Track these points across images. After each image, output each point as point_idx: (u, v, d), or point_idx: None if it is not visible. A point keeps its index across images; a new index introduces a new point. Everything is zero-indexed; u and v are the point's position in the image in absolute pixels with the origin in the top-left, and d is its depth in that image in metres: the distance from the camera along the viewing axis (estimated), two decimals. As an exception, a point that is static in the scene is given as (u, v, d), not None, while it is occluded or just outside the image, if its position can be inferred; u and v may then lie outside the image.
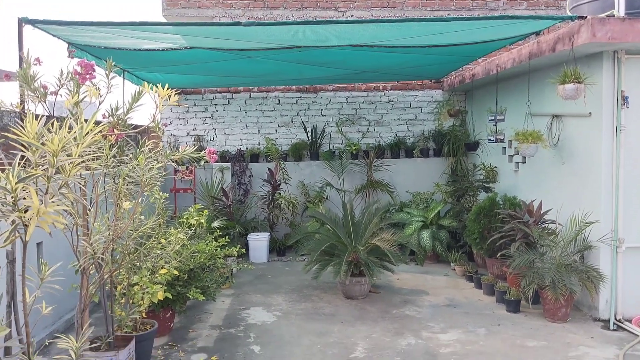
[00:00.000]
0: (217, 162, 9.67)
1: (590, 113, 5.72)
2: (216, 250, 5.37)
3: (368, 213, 6.72)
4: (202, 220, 5.12)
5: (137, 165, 3.43)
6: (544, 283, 5.57)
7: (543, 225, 6.19)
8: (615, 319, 5.48)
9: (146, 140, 3.84)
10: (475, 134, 8.90)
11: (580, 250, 5.69)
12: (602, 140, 5.54)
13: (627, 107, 5.45)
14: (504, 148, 8.14)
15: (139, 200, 3.66)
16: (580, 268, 5.57)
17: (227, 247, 5.68)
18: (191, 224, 5.11)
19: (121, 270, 3.97)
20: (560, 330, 5.38)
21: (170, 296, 4.69)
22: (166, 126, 3.53)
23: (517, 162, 7.71)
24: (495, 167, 8.38)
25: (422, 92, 9.92)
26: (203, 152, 3.98)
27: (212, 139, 10.01)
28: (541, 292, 5.65)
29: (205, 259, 5.22)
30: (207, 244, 5.26)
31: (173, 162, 3.92)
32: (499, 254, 6.56)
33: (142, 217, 4.37)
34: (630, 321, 5.45)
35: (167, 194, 5.44)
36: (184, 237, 4.87)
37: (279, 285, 7.22)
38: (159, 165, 3.59)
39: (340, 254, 6.34)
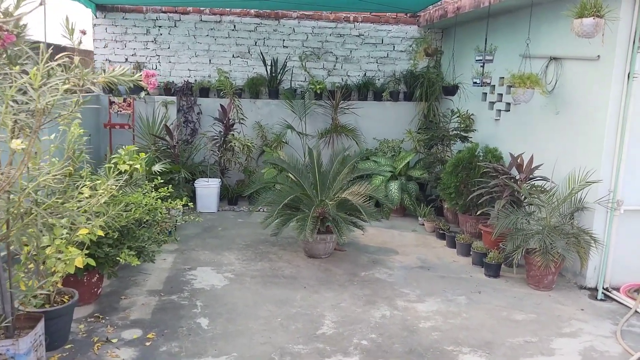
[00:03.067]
0: (160, 94, 8.42)
1: (598, 56, 4.96)
2: (156, 202, 4.37)
3: (337, 162, 5.84)
4: (138, 166, 4.07)
5: (30, 84, 2.34)
6: (531, 247, 4.99)
7: (532, 182, 5.55)
8: (603, 287, 5.00)
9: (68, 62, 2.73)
10: (455, 77, 8.08)
11: (572, 211, 5.11)
12: (610, 87, 4.83)
13: (643, 52, 4.72)
14: (484, 94, 7.39)
15: (34, 138, 2.59)
16: (571, 231, 5.00)
17: (170, 199, 4.68)
18: (123, 170, 4.06)
19: (11, 236, 2.93)
20: (548, 300, 4.85)
21: (92, 262, 3.70)
22: (84, 34, 2.54)
23: (500, 110, 6.99)
24: (472, 114, 7.65)
25: (396, 26, 8.89)
26: (139, 74, 2.93)
27: (154, 68, 8.66)
28: (527, 257, 5.08)
29: (141, 213, 4.23)
30: (144, 195, 4.24)
31: (94, 85, 2.86)
32: (479, 212, 5.92)
33: (55, 161, 3.29)
34: (618, 290, 5.00)
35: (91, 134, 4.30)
36: (114, 188, 3.82)
37: (230, 240, 6.34)
38: (66, 87, 2.50)
39: (305, 208, 5.49)
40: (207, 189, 7.61)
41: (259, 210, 6.83)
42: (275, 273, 5.28)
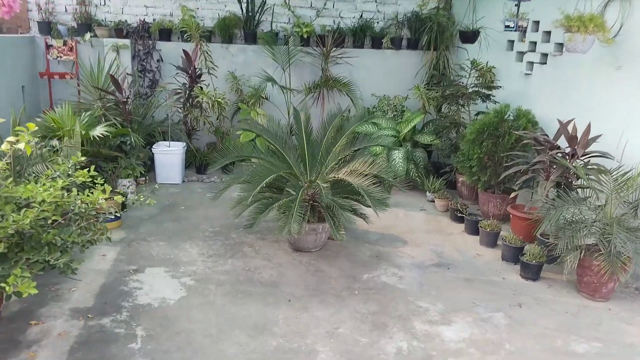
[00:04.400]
0: (110, 36, 6.80)
1: (699, -12, 3.59)
2: (67, 195, 2.94)
3: (332, 128, 4.45)
4: (23, 144, 2.63)
5: None
6: (591, 247, 3.77)
7: (586, 159, 4.27)
8: (677, 297, 3.85)
9: None
10: (476, 20, 6.61)
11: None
12: None
13: None
14: (510, 42, 5.98)
15: None
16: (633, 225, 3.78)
17: (96, 188, 3.25)
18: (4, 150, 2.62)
19: None
20: (609, 317, 3.68)
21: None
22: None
23: (532, 63, 5.61)
24: (493, 67, 6.26)
25: (401, -44, 7.30)
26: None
27: (102, 4, 6.99)
28: (584, 260, 3.86)
29: (48, 211, 2.82)
30: (45, 186, 2.82)
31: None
32: (512, 194, 4.66)
33: None
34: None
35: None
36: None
37: (195, 225, 4.99)
38: None
39: (290, 188, 4.14)
40: (169, 155, 6.18)
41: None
42: (249, 277, 3.99)
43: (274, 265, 4.20)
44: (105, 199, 2.95)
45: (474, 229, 5.08)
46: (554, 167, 4.25)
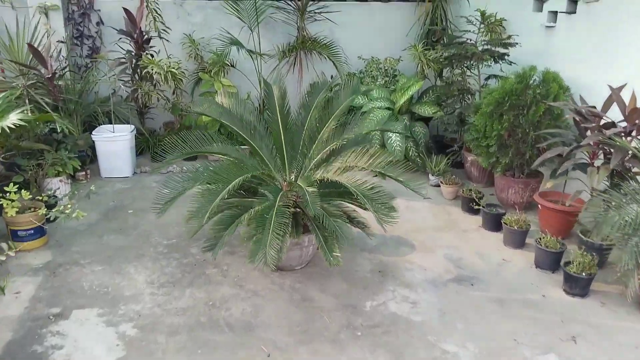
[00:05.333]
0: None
1: None
2: None
3: (315, 106, 3.35)
4: None
5: None
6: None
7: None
8: None
9: None
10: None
11: None
12: None
13: None
14: (527, -13, 4.89)
15: None
16: None
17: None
18: None
19: None
20: (696, 354, 2.79)
21: None
22: None
23: (555, 13, 4.55)
24: (503, 19, 5.18)
25: None
26: None
27: (19, -48, 5.61)
28: (653, 275, 2.93)
29: None
30: None
31: None
32: (549, 184, 3.68)
33: None
34: None
35: None
36: None
37: (145, 236, 3.91)
38: None
39: (266, 191, 3.06)
40: (114, 142, 5.01)
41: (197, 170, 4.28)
42: (214, 316, 2.96)
43: (247, 295, 3.18)
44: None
45: (494, 225, 4.13)
46: (606, 148, 3.26)
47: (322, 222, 2.84)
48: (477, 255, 3.79)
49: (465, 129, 5.04)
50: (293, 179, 3.24)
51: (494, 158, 4.27)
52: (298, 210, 3.18)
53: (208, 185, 3.08)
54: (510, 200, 4.43)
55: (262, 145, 3.25)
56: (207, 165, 3.19)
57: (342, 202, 3.24)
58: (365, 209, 3.14)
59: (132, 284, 3.28)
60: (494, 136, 4.14)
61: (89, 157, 5.17)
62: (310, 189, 2.83)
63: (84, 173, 4.94)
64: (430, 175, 5.10)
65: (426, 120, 5.51)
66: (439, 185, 4.99)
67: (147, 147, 5.57)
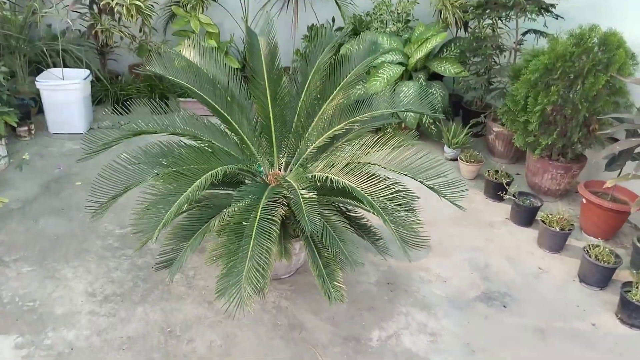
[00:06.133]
0: None
1: None
2: None
3: (316, 69, 2.46)
4: None
5: None
6: None
7: None
8: None
9: None
10: None
11: None
12: None
13: None
14: None
15: None
16: None
17: None
18: None
19: None
20: None
21: None
22: None
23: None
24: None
25: None
26: None
27: None
28: None
29: None
30: None
31: None
32: (609, 182, 2.89)
33: None
34: None
35: None
36: None
37: (92, 225, 3.10)
38: None
39: (248, 189, 2.22)
40: (63, 91, 4.07)
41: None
42: (171, 352, 2.22)
43: (217, 319, 2.43)
44: None
45: (525, 218, 3.40)
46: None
47: (322, 238, 2.06)
48: (506, 260, 3.06)
49: (492, 95, 4.18)
50: (283, 166, 2.42)
51: (533, 137, 3.46)
52: (286, 210, 2.37)
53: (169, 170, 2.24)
54: (545, 186, 3.67)
55: (243, 119, 2.38)
56: (164, 149, 2.31)
57: (346, 202, 2.43)
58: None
59: (68, 295, 2.50)
60: (537, 111, 3.30)
61: (34, 108, 4.25)
62: (306, 192, 2.02)
63: (26, 129, 4.03)
64: (445, 147, 4.29)
65: (441, 77, 4.64)
66: (455, 160, 4.22)
67: (106, 96, 4.63)
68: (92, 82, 4.41)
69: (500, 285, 2.85)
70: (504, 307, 2.69)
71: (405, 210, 2.21)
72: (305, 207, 1.97)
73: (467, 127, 4.21)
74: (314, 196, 2.00)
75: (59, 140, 4.08)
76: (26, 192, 3.34)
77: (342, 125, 2.26)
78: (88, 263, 2.74)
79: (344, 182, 2.03)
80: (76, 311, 2.41)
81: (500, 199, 3.65)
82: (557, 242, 3.15)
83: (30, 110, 4.16)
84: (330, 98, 2.37)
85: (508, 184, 3.56)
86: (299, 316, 2.49)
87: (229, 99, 2.38)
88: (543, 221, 3.16)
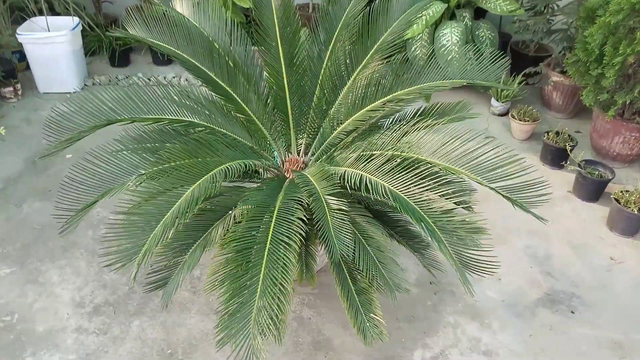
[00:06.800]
0: None
1: None
2: None
3: (344, 26, 1.87)
4: None
5: None
6: None
7: None
8: None
9: None
10: None
11: None
12: None
13: None
14: None
15: None
16: None
17: None
18: None
19: None
20: None
21: None
22: None
23: None
24: None
25: None
26: None
27: None
28: None
29: None
30: None
31: None
32: None
33: None
34: None
35: None
36: None
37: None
38: None
39: (252, 198, 1.73)
40: (49, 45, 3.53)
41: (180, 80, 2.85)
42: (174, 383, 1.86)
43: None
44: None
45: (592, 192, 2.85)
46: None
47: (355, 259, 1.58)
48: (571, 249, 2.56)
49: (553, 38, 3.49)
50: (302, 149, 1.91)
51: (608, 95, 2.82)
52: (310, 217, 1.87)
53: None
54: (614, 150, 3.07)
55: (251, 94, 1.85)
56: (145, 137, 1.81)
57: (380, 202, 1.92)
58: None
59: (52, 306, 2.13)
60: (617, 64, 2.64)
61: (22, 63, 3.76)
62: (333, 201, 1.52)
63: (11, 89, 3.54)
64: (493, 100, 3.67)
65: (484, 14, 3.94)
66: (503, 115, 3.62)
67: (100, 47, 4.06)
68: (83, 30, 3.84)
69: (565, 283, 2.36)
70: (572, 312, 2.22)
71: (467, 231, 1.69)
72: (332, 222, 1.48)
73: (521, 75, 3.56)
74: (345, 208, 1.50)
75: (50, 101, 3.59)
76: (9, 168, 2.92)
77: (379, 102, 1.71)
78: (77, 261, 2.34)
79: (388, 189, 1.52)
80: (61, 328, 2.03)
81: (561, 167, 3.09)
82: (633, 226, 2.61)
83: (15, 66, 3.65)
84: (363, 64, 1.80)
85: (572, 149, 2.98)
86: (324, 330, 2.07)
87: (229, 67, 1.83)
88: (617, 200, 2.61)
